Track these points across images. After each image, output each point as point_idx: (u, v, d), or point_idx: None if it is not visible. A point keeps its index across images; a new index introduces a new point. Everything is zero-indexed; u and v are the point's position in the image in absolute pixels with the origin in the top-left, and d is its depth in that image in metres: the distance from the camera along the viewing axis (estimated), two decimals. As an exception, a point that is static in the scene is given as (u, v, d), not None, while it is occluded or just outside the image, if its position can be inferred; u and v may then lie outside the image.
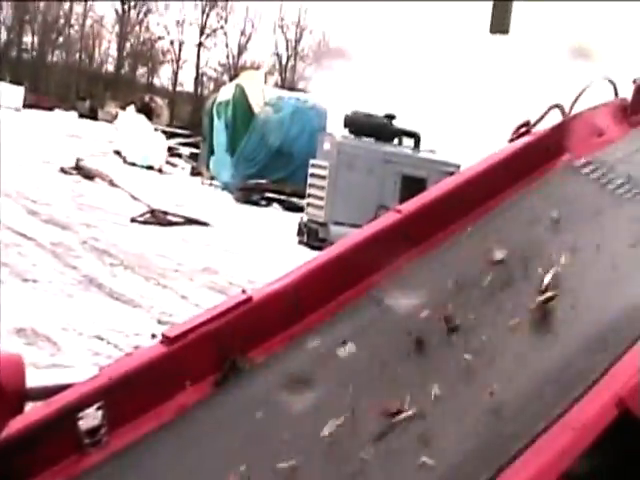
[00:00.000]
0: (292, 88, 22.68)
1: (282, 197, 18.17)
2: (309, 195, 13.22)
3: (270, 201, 18.08)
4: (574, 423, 1.51)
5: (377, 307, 2.17)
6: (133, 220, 13.06)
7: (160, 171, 21.16)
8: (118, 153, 21.76)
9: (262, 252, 11.95)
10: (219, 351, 1.99)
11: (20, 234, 10.58)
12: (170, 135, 24.13)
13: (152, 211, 13.53)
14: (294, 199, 17.20)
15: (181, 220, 13.82)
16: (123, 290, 8.66)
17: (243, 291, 2.06)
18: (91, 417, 1.87)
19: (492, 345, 1.93)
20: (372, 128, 13.16)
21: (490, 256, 2.25)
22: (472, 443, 1.65)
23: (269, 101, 18.57)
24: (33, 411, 1.86)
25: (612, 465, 1.66)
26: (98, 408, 1.87)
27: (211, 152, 20.58)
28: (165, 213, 13.73)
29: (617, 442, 1.57)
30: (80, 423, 1.85)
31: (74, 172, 16.80)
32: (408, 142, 13.69)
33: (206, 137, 21.00)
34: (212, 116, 20.40)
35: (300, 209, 14.86)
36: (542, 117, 2.71)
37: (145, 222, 13.19)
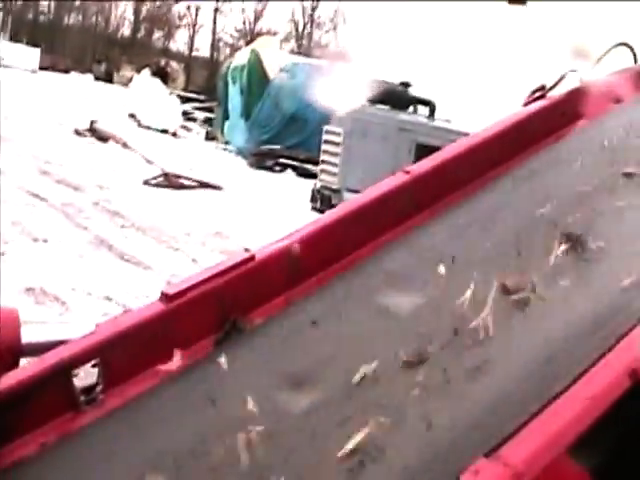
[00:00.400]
0: (308, 55, 22.48)
1: (296, 163, 18.10)
2: (323, 162, 13.16)
3: (284, 167, 18.02)
4: (584, 394, 1.45)
5: (381, 272, 2.11)
6: (146, 183, 13.03)
7: (174, 135, 21.11)
8: (133, 116, 21.72)
9: (275, 218, 11.91)
10: (219, 310, 1.95)
11: (32, 194, 10.57)
12: (185, 99, 24.05)
13: (165, 174, 13.49)
14: (308, 165, 17.13)
15: (194, 184, 13.78)
16: (134, 252, 8.64)
17: (246, 250, 2.01)
18: (86, 375, 1.82)
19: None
20: (387, 96, 13.03)
21: (502, 223, 2.19)
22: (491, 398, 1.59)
23: (284, 67, 18.44)
24: (27, 367, 1.82)
25: (624, 437, 1.60)
26: (94, 365, 1.83)
27: (225, 117, 20.51)
28: (178, 177, 13.69)
29: (630, 414, 1.51)
30: (75, 380, 1.81)
31: (88, 134, 16.76)
32: (423, 111, 13.55)
33: (221, 102, 20.90)
34: (227, 81, 20.30)
35: (314, 175, 14.80)
36: (558, 82, 2.64)
37: (158, 185, 13.16)
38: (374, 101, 13.17)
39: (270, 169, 18.53)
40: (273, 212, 13.00)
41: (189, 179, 14.28)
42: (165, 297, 1.89)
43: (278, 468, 1.66)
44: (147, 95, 21.15)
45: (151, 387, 1.85)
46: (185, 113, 22.99)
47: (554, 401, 1.46)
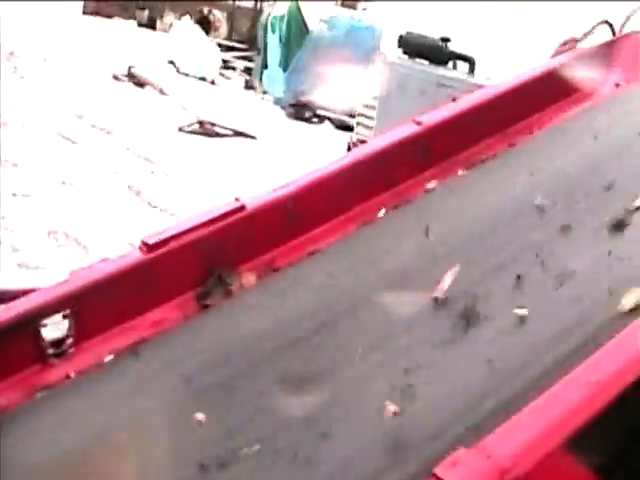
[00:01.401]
0: (350, 7, 22.18)
1: (333, 115, 17.88)
2: (359, 114, 12.96)
3: (321, 119, 17.82)
4: (587, 378, 1.26)
5: (387, 235, 1.96)
6: (180, 129, 12.91)
7: (213, 83, 20.96)
8: (172, 63, 21.56)
9: (309, 170, 11.73)
10: (204, 263, 1.81)
11: (64, 137, 10.48)
12: (226, 48, 23.87)
13: (200, 122, 13.37)
14: (345, 118, 16.92)
15: (229, 132, 13.66)
16: (162, 199, 8.54)
17: (236, 199, 1.87)
18: (56, 326, 1.70)
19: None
20: (426, 50, 12.77)
21: (528, 196, 2.01)
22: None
23: (324, 18, 18.16)
24: (-8, 314, 1.70)
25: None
26: (64, 316, 1.70)
27: (264, 66, 20.32)
28: (213, 124, 13.56)
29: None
30: (43, 331, 1.69)
31: (126, 79, 16.64)
32: (463, 67, 13.27)
33: (260, 51, 20.70)
34: (267, 30, 20.06)
35: (351, 128, 14.62)
36: (588, 33, 2.46)
37: (192, 132, 13.04)
38: (413, 55, 12.94)
39: (307, 120, 18.33)
40: (308, 164, 12.79)
41: (224, 127, 14.15)
42: (145, 246, 1.76)
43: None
44: (187, 42, 20.96)
45: (127, 344, 1.72)
46: (225, 62, 22.82)
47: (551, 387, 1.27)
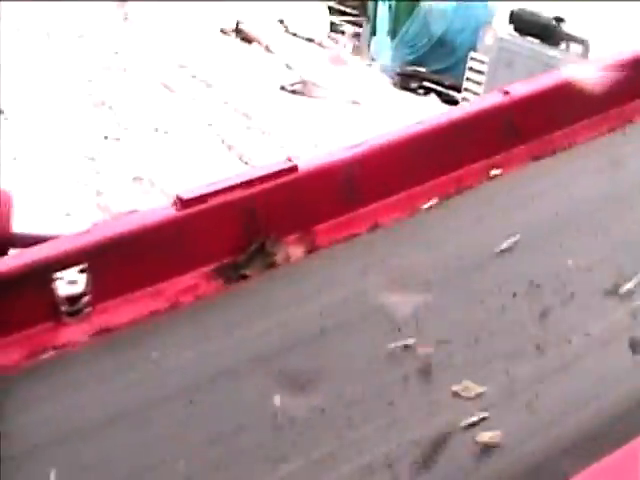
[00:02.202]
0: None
1: (441, 88, 17.53)
2: (465, 89, 12.64)
3: (428, 91, 17.49)
4: None
5: (457, 219, 1.72)
6: (282, 88, 12.77)
7: (320, 45, 20.79)
8: (281, 22, 21.47)
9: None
10: (245, 227, 1.60)
11: (164, 85, 10.44)
12: (337, 12, 23.69)
13: (303, 82, 13.22)
14: (452, 92, 16.57)
15: (331, 95, 13.49)
16: (254, 155, 8.42)
17: (289, 159, 1.65)
18: (72, 280, 1.52)
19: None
20: (538, 28, 12.33)
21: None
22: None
23: (435, -13, 17.72)
24: (3, 260, 1.53)
25: None
26: (82, 271, 1.52)
27: (373, 33, 20.06)
28: (316, 85, 13.41)
29: None
30: (57, 285, 1.52)
31: (233, 34, 16.58)
32: (576, 49, 12.77)
33: (370, 17, 20.45)
34: (377, -3, 19.72)
35: (457, 103, 14.28)
36: None
37: (294, 92, 12.90)
38: (524, 33, 12.51)
39: (413, 91, 18.01)
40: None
41: (327, 89, 13.99)
42: (179, 202, 1.56)
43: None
44: (297, 2, 20.80)
45: (151, 310, 1.53)
46: (334, 25, 22.64)
47: None
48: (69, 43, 11.07)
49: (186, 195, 1.59)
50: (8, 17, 10.40)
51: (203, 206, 1.60)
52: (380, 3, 19.88)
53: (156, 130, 8.30)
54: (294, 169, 1.66)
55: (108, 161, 7.29)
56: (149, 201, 6.25)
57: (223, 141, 8.75)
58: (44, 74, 9.28)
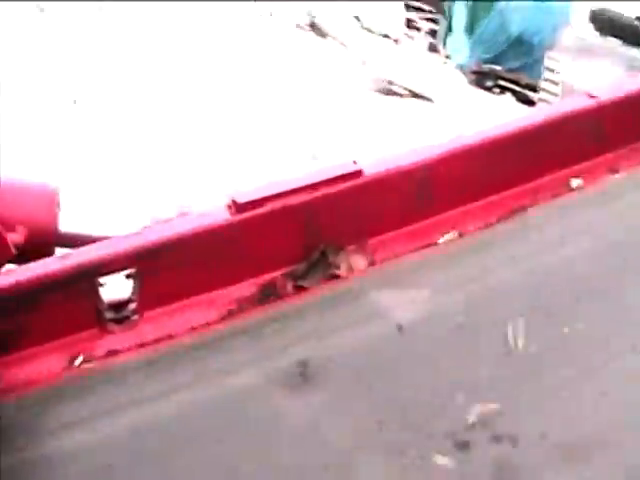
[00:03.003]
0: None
1: (517, 88, 17.23)
2: (542, 89, 12.39)
3: (504, 90, 17.21)
4: None
5: (539, 233, 1.58)
6: (358, 85, 12.69)
7: (395, 41, 20.67)
8: (357, 18, 21.41)
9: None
10: (304, 235, 1.48)
11: (237, 80, 10.42)
12: (414, 8, 23.55)
13: (379, 79, 13.13)
14: (528, 92, 16.28)
15: (405, 92, 13.36)
16: (325, 152, 8.38)
17: (354, 162, 1.53)
18: (117, 285, 1.42)
19: None
20: (619, 29, 12.01)
21: None
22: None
23: (513, -15, 17.43)
24: (47, 262, 1.44)
25: None
26: (129, 276, 1.42)
27: (449, 30, 19.87)
28: (390, 82, 13.31)
29: None
30: (102, 291, 1.42)
31: (308, 29, 16.54)
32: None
33: (446, 14, 20.25)
34: (454, -6, 19.52)
35: (533, 103, 14.03)
36: None
37: (381, 91, 12.83)
38: (604, 32, 12.21)
39: (489, 90, 17.75)
40: (479, 134, 12.31)
41: (401, 87, 13.88)
42: (234, 205, 1.45)
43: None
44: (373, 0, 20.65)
45: (206, 319, 1.42)
46: (410, 21, 22.49)
47: None
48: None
49: (242, 198, 1.47)
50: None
51: (260, 210, 1.48)
52: (457, 1, 19.64)
53: (231, 124, 8.32)
54: (359, 173, 1.53)
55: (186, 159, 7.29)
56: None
57: (296, 137, 8.73)
58: (123, 65, 9.32)
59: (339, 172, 1.52)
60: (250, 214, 1.48)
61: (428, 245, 1.54)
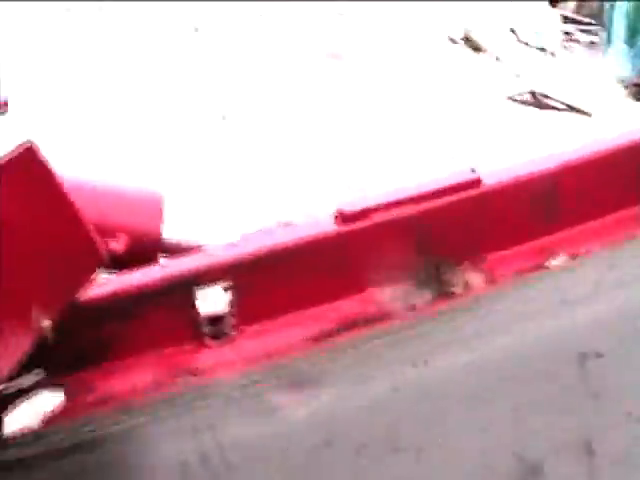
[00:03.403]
0: None
1: (684, 102, 16.47)
2: None
3: (666, 104, 16.46)
4: None
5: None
6: (510, 98, 12.40)
7: (552, 54, 20.15)
8: (512, 31, 20.99)
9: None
10: (416, 248, 1.37)
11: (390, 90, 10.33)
12: (571, 21, 22.93)
13: (532, 92, 12.79)
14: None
15: (562, 106, 12.97)
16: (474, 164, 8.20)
17: (472, 170, 1.41)
18: (214, 299, 1.35)
19: None
20: None
21: None
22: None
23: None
24: (144, 271, 1.38)
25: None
26: (227, 288, 1.34)
27: (609, 42, 19.22)
28: (546, 96, 12.94)
29: None
30: (199, 304, 1.35)
31: (461, 42, 16.34)
32: None
33: (606, 26, 19.59)
34: (613, 4, 18.90)
35: (697, 118, 13.35)
36: None
37: (522, 102, 12.50)
38: None
39: (650, 103, 17.08)
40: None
41: (557, 101, 13.49)
42: (341, 216, 1.35)
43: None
44: (528, 11, 20.26)
45: (301, 338, 1.33)
46: (567, 34, 21.90)
47: None
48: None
49: (349, 208, 1.37)
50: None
51: (368, 221, 1.38)
52: (617, 10, 19.03)
53: (372, 133, 8.26)
54: (476, 182, 1.41)
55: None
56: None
57: (444, 149, 8.59)
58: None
59: (454, 181, 1.40)
60: (357, 225, 1.38)
61: (554, 264, 1.40)
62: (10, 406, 1.53)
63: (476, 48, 17.27)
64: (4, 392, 1.48)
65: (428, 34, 17.50)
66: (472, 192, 1.36)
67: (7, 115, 1.48)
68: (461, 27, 18.24)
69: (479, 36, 17.77)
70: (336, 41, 12.23)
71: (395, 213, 1.34)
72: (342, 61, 11.26)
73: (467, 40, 17.36)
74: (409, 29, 16.83)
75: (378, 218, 1.34)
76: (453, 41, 17.58)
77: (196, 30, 10.58)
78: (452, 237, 1.37)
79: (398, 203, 1.34)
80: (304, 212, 5.71)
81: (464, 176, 1.39)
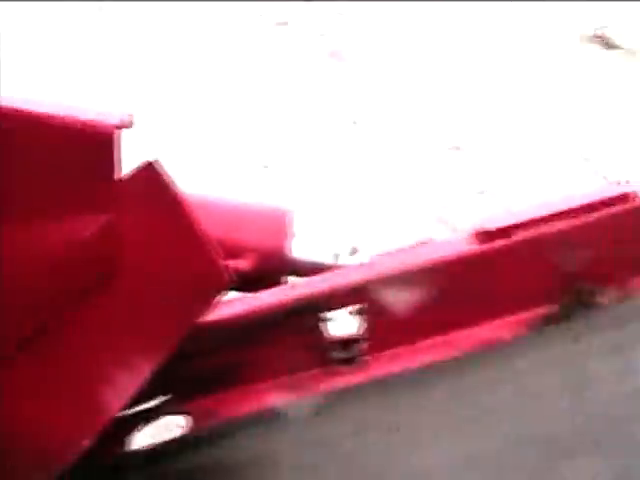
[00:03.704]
0: None
1: None
2: None
3: None
4: None
5: None
6: None
7: (691, 50, 19.45)
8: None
9: None
10: (561, 270, 1.27)
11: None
12: None
13: (668, 92, 12.33)
14: None
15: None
16: (615, 169, 7.96)
17: (618, 183, 1.29)
18: (346, 321, 1.28)
19: None
20: None
21: None
22: None
23: None
24: (271, 293, 1.33)
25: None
26: (358, 311, 1.28)
27: None
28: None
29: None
30: (328, 327, 1.28)
31: (595, 40, 15.92)
32: None
33: None
34: None
35: None
36: None
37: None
38: None
39: None
40: None
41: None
42: (480, 234, 1.26)
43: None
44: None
45: (433, 363, 1.26)
46: None
47: None
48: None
49: (490, 225, 1.28)
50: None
51: (510, 240, 1.29)
52: None
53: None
54: (626, 197, 1.29)
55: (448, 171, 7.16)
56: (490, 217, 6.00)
57: (579, 152, 8.33)
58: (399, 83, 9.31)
59: (602, 195, 1.29)
60: (499, 244, 1.29)
61: None
62: (133, 429, 1.51)
63: (609, 46, 16.80)
64: (128, 415, 1.46)
65: (558, 32, 17.11)
66: (623, 207, 1.25)
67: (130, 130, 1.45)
68: (596, 23, 17.77)
69: (614, 33, 17.27)
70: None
71: (539, 231, 1.25)
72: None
73: (600, 38, 16.90)
74: (544, 27, 16.48)
75: (520, 236, 1.24)
76: (585, 39, 17.15)
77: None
78: (602, 258, 1.26)
79: (542, 219, 1.25)
80: (447, 227, 5.59)
81: (613, 190, 1.28)
